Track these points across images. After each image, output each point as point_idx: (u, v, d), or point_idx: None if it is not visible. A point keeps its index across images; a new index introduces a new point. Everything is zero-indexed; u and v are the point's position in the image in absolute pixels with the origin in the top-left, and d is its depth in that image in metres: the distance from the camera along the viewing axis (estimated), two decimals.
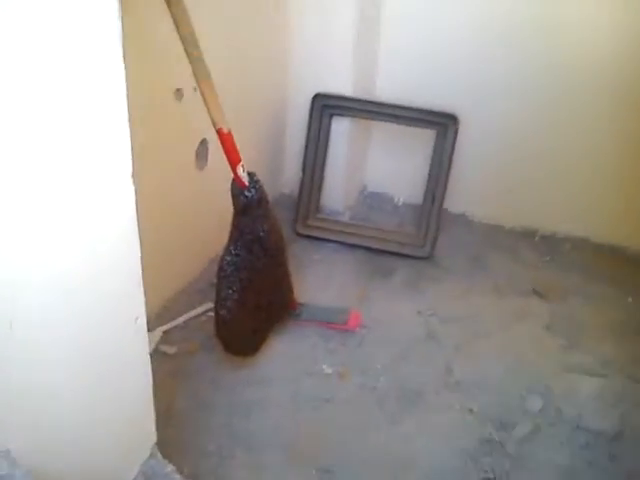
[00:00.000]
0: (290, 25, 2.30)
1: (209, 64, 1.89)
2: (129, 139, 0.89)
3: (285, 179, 2.58)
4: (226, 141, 1.42)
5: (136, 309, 1.04)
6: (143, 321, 1.05)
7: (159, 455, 1.31)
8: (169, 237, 1.94)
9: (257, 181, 1.53)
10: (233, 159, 1.44)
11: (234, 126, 2.13)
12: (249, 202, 1.50)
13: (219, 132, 1.39)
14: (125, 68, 0.87)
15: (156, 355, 1.83)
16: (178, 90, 1.75)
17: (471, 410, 1.73)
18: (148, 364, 1.10)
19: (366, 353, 1.91)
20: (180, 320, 1.98)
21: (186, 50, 1.23)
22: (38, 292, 0.86)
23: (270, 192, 2.52)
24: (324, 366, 1.85)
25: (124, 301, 1.01)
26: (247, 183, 1.49)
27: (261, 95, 2.30)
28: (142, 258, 1.01)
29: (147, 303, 1.94)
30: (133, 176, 0.91)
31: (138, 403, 1.14)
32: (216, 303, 1.63)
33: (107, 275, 0.96)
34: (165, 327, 1.94)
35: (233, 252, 1.56)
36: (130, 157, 0.90)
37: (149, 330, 1.91)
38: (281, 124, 2.48)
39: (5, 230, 0.78)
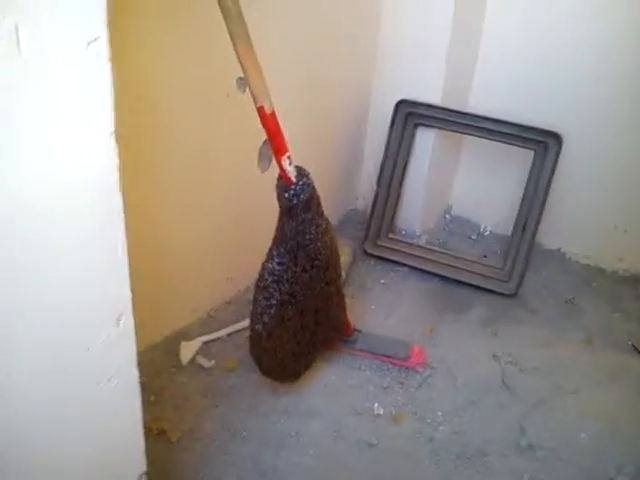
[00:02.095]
0: (380, 22, 2.10)
1: (289, 57, 1.77)
2: (111, 91, 0.71)
3: (360, 193, 2.38)
4: (269, 123, 1.20)
5: (119, 304, 0.84)
6: (129, 322, 0.85)
7: None
8: (223, 240, 1.80)
9: (306, 176, 1.32)
10: (278, 147, 1.23)
11: (308, 127, 2.02)
12: (294, 202, 1.30)
13: (260, 111, 1.19)
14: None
15: (191, 367, 1.69)
16: (241, 79, 1.59)
17: None
18: (135, 376, 0.91)
19: (426, 396, 1.66)
20: (224, 332, 1.81)
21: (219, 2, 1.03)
22: None
23: (342, 206, 2.40)
24: (375, 405, 1.62)
25: (102, 294, 0.82)
26: (294, 179, 1.29)
27: (341, 95, 2.11)
28: (127, 238, 0.81)
29: (192, 309, 1.85)
30: (115, 136, 0.72)
31: (122, 425, 0.95)
32: (252, 316, 1.43)
33: (80, 254, 0.77)
34: (206, 337, 1.78)
35: (275, 260, 1.36)
36: (111, 114, 0.72)
37: (189, 339, 1.81)
38: (361, 131, 2.28)
39: None
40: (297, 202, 1.30)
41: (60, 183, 0.72)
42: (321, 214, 1.37)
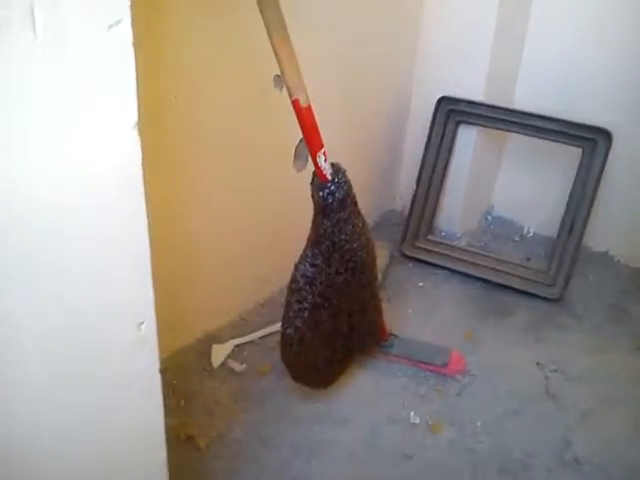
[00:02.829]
0: (423, 13, 2.04)
1: (326, 49, 1.71)
2: (134, 79, 0.66)
3: (398, 192, 2.32)
4: (304, 118, 1.15)
5: (140, 309, 0.79)
6: (151, 328, 0.80)
7: None
8: (256, 241, 1.76)
9: (342, 174, 1.27)
10: (313, 143, 1.18)
11: (345, 123, 1.95)
12: (329, 200, 1.24)
13: (295, 104, 1.13)
14: None
15: (222, 371, 1.65)
16: (278, 77, 1.54)
17: None
18: (158, 384, 0.86)
19: (466, 405, 1.60)
20: (256, 335, 1.77)
21: None
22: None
23: (379, 206, 2.34)
24: (411, 413, 1.56)
25: (122, 298, 0.78)
26: (329, 176, 1.23)
27: (380, 90, 2.04)
28: (151, 242, 0.76)
29: (224, 312, 1.81)
30: (138, 128, 0.67)
31: (142, 435, 0.90)
32: (283, 320, 1.39)
33: (100, 255, 0.73)
34: (238, 340, 1.74)
35: (309, 261, 1.31)
36: (135, 104, 0.67)
37: (220, 342, 1.77)
38: (400, 128, 2.21)
39: None
40: (332, 200, 1.24)
41: (79, 178, 0.68)
42: (357, 214, 1.32)
